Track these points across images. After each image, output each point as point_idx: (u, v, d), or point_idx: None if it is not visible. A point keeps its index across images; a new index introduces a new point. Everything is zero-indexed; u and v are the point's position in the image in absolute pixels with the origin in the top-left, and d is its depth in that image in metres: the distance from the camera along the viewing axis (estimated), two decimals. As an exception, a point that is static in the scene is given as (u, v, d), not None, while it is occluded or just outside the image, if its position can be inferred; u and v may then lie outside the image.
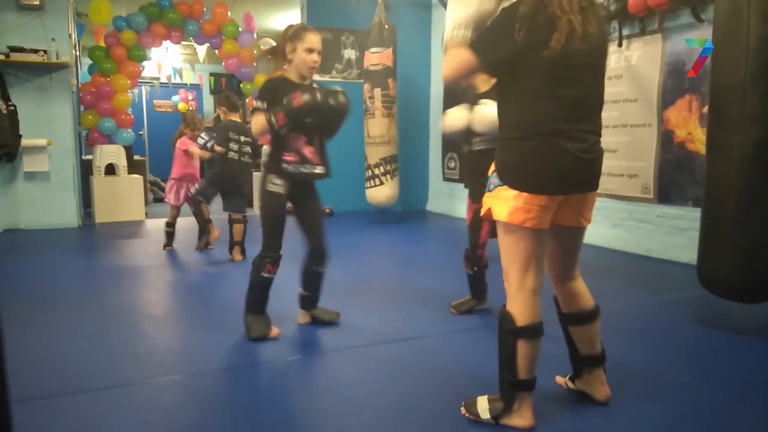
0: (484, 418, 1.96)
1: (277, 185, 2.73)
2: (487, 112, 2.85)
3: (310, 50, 2.69)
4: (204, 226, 4.93)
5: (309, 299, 3.01)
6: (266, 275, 2.76)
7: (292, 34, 2.71)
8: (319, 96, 2.59)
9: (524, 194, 1.81)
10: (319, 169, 2.80)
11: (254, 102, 2.71)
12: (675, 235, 4.67)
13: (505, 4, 1.81)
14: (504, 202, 1.84)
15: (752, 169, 2.72)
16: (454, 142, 2.79)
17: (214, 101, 12.23)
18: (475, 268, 3.19)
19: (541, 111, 1.79)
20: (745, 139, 2.72)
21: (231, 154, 4.60)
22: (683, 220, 4.59)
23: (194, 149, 4.96)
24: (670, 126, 4.66)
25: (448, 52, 1.88)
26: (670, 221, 4.72)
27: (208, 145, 4.71)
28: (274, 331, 2.82)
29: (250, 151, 4.69)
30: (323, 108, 2.61)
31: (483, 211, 1.96)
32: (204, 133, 4.89)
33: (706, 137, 3.00)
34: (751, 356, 2.63)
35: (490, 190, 1.92)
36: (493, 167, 1.93)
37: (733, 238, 2.79)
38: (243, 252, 4.72)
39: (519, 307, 1.87)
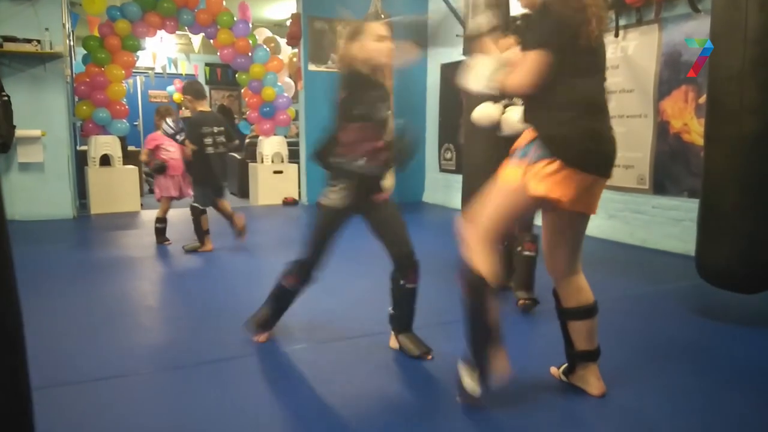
0: (476, 392, 1.95)
1: (332, 199, 2.36)
2: (515, 118, 2.95)
3: (379, 38, 2.33)
4: (201, 236, 4.70)
5: (398, 320, 2.55)
6: (286, 286, 2.52)
7: (353, 33, 2.36)
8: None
9: (568, 170, 1.81)
10: (390, 166, 2.44)
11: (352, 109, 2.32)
12: (670, 225, 4.68)
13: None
14: (544, 177, 1.82)
15: (750, 161, 2.72)
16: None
17: (209, 91, 12.16)
18: (506, 242, 3.25)
19: (591, 91, 1.87)
20: (743, 131, 2.71)
21: (208, 149, 4.49)
22: (678, 210, 4.60)
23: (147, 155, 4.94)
24: (666, 117, 4.66)
25: (519, 62, 1.85)
26: (665, 212, 4.73)
27: (178, 137, 4.60)
28: (263, 337, 2.67)
29: (224, 140, 4.60)
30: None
31: (507, 177, 1.90)
32: (171, 120, 4.71)
33: (704, 128, 2.99)
34: (745, 346, 2.65)
35: (527, 159, 1.86)
36: (527, 139, 1.90)
37: (731, 229, 2.79)
38: (241, 221, 4.77)
39: (485, 262, 1.89)
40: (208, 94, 4.71)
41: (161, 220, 4.95)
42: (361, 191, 2.37)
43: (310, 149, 2.56)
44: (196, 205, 4.61)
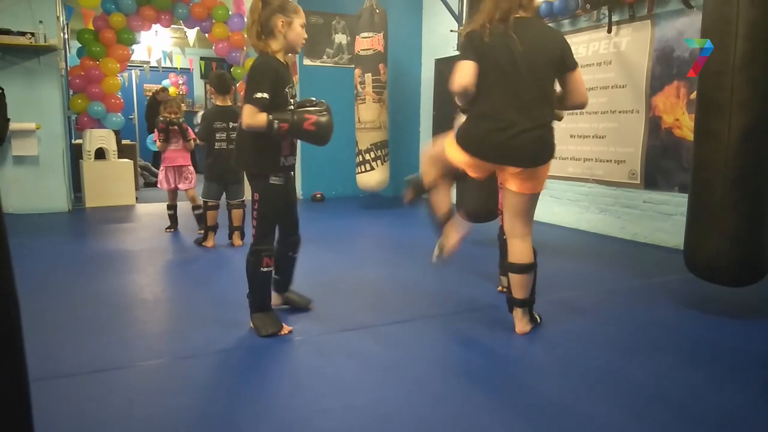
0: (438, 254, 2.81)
1: (279, 177, 2.68)
2: None
3: (303, 25, 2.69)
4: (205, 230, 4.71)
5: (282, 283, 3.01)
6: (266, 269, 2.68)
7: (285, 6, 2.62)
8: (329, 120, 2.61)
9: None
10: (294, 160, 2.81)
11: (257, 94, 2.62)
12: (661, 220, 4.73)
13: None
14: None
15: (740, 155, 2.74)
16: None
17: (204, 86, 12.12)
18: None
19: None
20: (732, 125, 2.73)
21: (218, 144, 4.46)
22: (669, 205, 4.65)
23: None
24: (658, 112, 4.70)
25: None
26: (656, 206, 4.78)
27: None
28: (286, 328, 2.71)
29: None
30: (328, 131, 2.63)
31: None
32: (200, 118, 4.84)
33: (694, 123, 3.01)
34: (735, 338, 2.69)
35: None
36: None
37: (720, 223, 2.82)
38: (243, 236, 4.72)
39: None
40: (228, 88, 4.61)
41: (170, 207, 5.23)
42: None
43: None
44: (205, 201, 4.64)
